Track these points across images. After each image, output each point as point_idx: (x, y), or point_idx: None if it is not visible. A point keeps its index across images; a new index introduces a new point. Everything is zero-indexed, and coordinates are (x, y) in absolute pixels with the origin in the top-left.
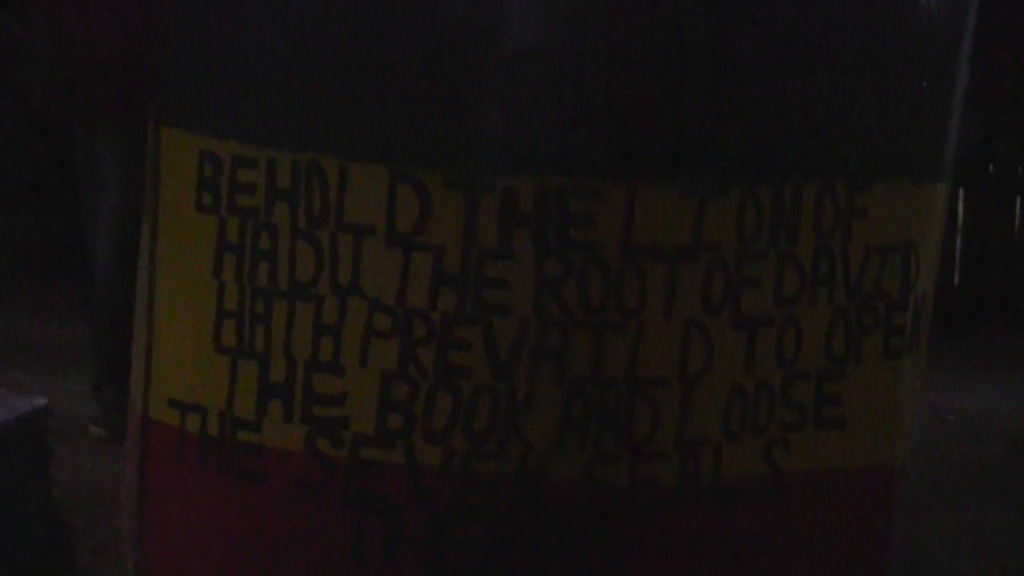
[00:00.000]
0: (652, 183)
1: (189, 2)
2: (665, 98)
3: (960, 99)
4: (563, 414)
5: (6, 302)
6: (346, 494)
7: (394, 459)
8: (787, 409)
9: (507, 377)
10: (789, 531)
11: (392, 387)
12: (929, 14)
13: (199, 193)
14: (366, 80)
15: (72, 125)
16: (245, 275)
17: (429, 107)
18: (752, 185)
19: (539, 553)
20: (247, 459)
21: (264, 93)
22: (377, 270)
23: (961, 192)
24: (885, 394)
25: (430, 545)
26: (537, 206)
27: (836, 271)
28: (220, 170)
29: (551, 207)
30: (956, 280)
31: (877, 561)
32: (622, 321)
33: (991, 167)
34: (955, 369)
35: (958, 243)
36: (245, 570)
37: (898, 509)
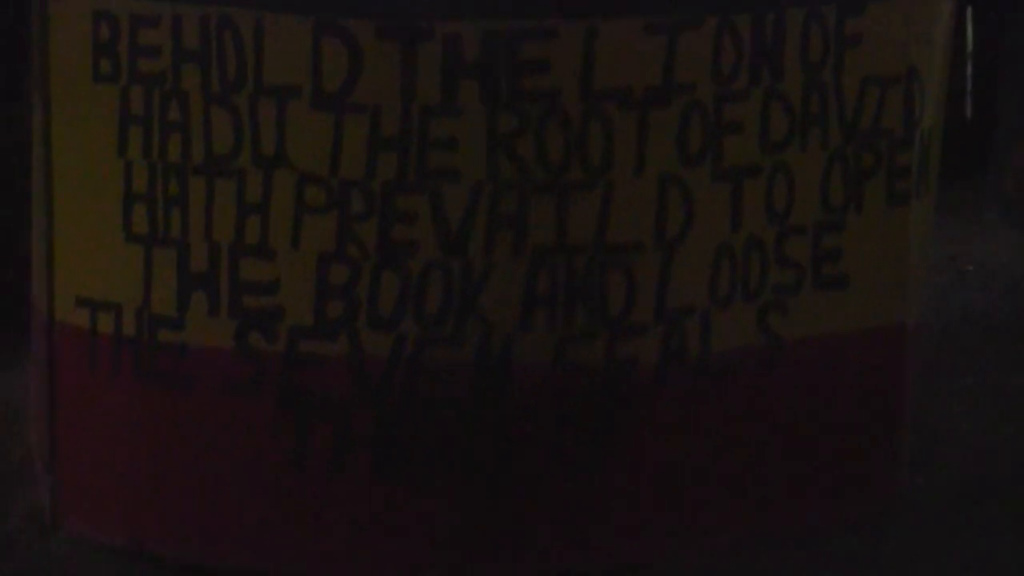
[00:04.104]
0: (613, 19)
1: None
2: None
3: None
4: (527, 289)
5: None
6: (283, 394)
7: (337, 351)
8: (782, 269)
9: (460, 251)
10: (789, 406)
11: (330, 270)
12: None
13: (96, 60)
14: None
15: None
16: (155, 151)
17: None
18: (728, 15)
19: (506, 449)
20: (169, 361)
21: None
22: (305, 137)
23: (970, 10)
24: (892, 246)
25: (381, 446)
26: (484, 53)
27: (829, 108)
28: (118, 32)
29: (500, 54)
30: (968, 112)
31: (890, 430)
32: (588, 180)
33: None
34: (971, 213)
35: (969, 70)
36: (172, 485)
37: (912, 372)
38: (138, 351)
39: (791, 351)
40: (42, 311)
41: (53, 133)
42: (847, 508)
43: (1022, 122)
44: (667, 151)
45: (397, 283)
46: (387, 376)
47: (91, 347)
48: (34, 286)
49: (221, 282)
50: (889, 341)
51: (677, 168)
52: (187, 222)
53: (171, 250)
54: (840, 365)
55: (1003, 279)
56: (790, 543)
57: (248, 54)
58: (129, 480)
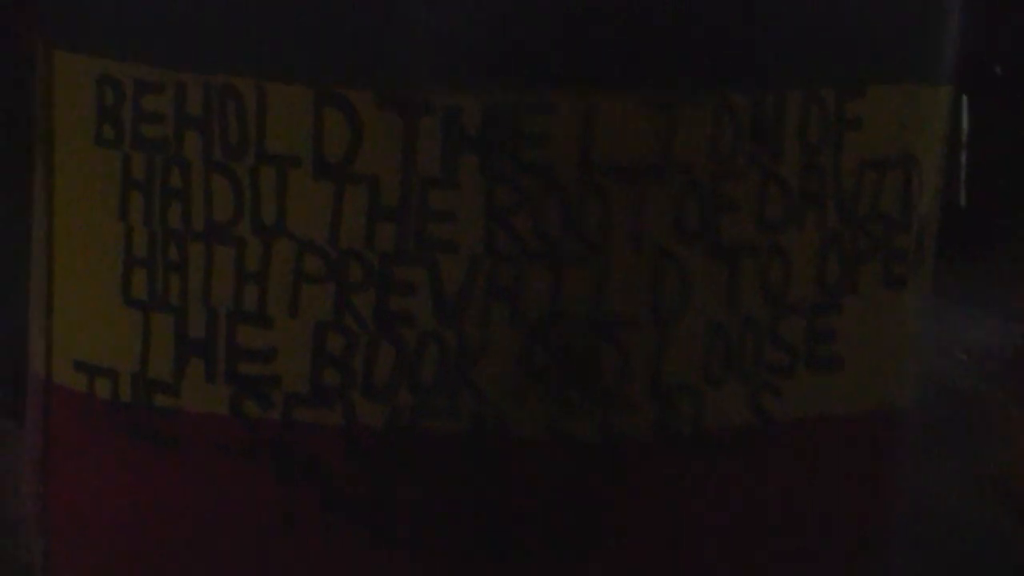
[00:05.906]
0: (613, 94)
1: None
2: None
3: None
4: (521, 362)
5: None
6: (277, 461)
7: (331, 420)
8: (776, 350)
9: (456, 322)
10: (779, 484)
11: (327, 339)
12: None
13: (99, 125)
14: None
15: None
16: (155, 217)
17: (353, 13)
18: (728, 94)
19: (499, 519)
20: (164, 424)
21: (169, 6)
22: (305, 206)
23: (965, 99)
24: (887, 328)
25: (374, 515)
26: (484, 127)
27: (827, 190)
28: (122, 98)
29: (500, 127)
30: (963, 199)
31: (881, 511)
32: (584, 254)
33: (997, 68)
34: (964, 299)
35: (963, 157)
36: (164, 544)
37: (904, 456)
38: (134, 415)
39: (783, 432)
40: (39, 374)
41: (55, 196)
42: None
43: None
44: (664, 228)
45: (393, 354)
46: (381, 445)
47: (87, 410)
48: (31, 350)
49: (218, 348)
50: (882, 424)
51: (673, 245)
52: (186, 288)
53: (169, 316)
54: (833, 447)
55: (993, 364)
56: None
57: (250, 122)
58: (124, 535)
